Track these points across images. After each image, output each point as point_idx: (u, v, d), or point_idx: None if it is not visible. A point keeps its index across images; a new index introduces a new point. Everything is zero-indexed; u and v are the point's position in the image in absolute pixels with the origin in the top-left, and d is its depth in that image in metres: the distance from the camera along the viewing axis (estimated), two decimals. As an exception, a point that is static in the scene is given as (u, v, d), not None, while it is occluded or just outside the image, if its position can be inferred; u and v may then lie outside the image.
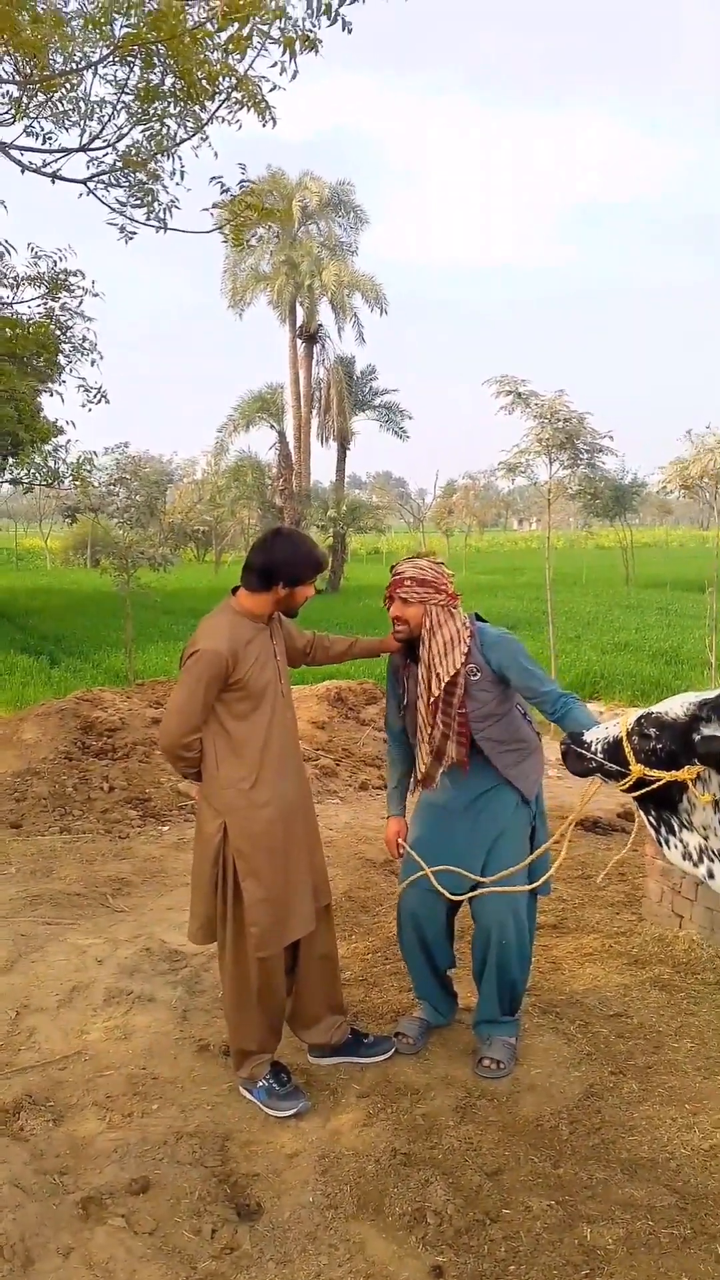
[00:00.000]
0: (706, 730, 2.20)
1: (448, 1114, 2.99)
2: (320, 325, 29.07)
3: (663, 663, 12.94)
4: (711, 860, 2.27)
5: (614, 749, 2.41)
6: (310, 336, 28.93)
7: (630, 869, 4.83)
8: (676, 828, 2.34)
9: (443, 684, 3.06)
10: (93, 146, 5.99)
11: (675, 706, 2.31)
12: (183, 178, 6.18)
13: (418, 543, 34.75)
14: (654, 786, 2.30)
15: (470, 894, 3.16)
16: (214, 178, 6.19)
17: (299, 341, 29.02)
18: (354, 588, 26.87)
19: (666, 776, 2.27)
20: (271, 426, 28.88)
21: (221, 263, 28.48)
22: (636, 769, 2.32)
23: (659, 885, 4.28)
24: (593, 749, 2.46)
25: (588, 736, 2.51)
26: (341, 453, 29.70)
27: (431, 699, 3.09)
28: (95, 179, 6.10)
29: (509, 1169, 2.73)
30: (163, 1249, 2.44)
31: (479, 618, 3.21)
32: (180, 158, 6.09)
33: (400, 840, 3.37)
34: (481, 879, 3.11)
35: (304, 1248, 2.46)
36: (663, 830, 2.38)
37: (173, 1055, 3.34)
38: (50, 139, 6.04)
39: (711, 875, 2.29)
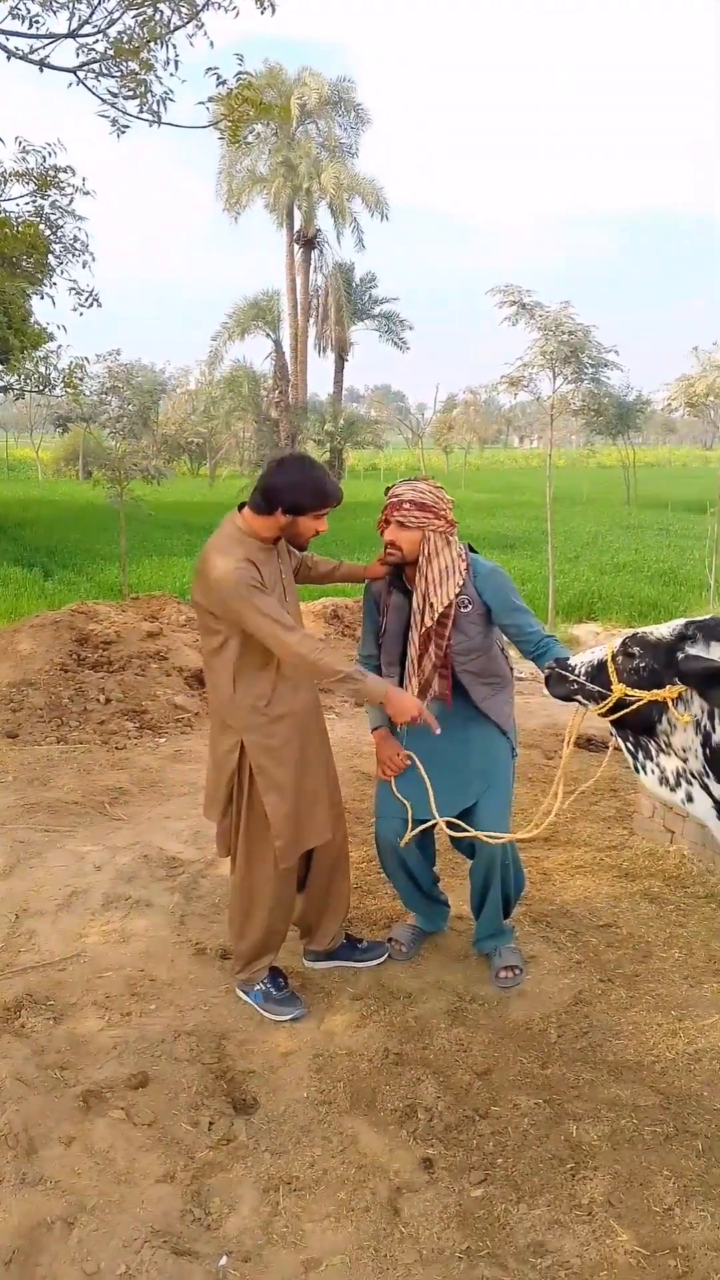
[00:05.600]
0: (691, 650, 2.17)
1: (439, 1017, 3.07)
2: (319, 230, 28.23)
3: (661, 584, 12.92)
4: (690, 783, 2.24)
5: (598, 671, 2.39)
6: (308, 241, 28.11)
7: (622, 784, 4.88)
8: (654, 752, 2.30)
9: (436, 614, 2.98)
10: (82, 32, 5.71)
11: (663, 627, 2.28)
12: (177, 68, 5.90)
13: (416, 459, 34.30)
14: (634, 707, 2.27)
15: (461, 834, 3.11)
16: (209, 69, 5.91)
17: (296, 247, 28.20)
18: (350, 504, 26.54)
19: (647, 696, 2.25)
20: (267, 335, 28.24)
21: (217, 163, 27.54)
22: (618, 688, 2.30)
23: (650, 801, 4.33)
24: (577, 672, 2.45)
25: (573, 660, 2.49)
26: (339, 364, 29.14)
27: (423, 629, 3.01)
28: (85, 68, 5.83)
29: (498, 1069, 2.82)
30: (161, 1139, 2.52)
31: (471, 549, 3.14)
32: (175, 46, 5.81)
33: (405, 754, 3.15)
34: (457, 822, 3.08)
35: (298, 1140, 2.54)
36: (639, 755, 2.35)
37: (170, 958, 3.41)
38: (37, 23, 5.75)
39: (690, 799, 2.25)
